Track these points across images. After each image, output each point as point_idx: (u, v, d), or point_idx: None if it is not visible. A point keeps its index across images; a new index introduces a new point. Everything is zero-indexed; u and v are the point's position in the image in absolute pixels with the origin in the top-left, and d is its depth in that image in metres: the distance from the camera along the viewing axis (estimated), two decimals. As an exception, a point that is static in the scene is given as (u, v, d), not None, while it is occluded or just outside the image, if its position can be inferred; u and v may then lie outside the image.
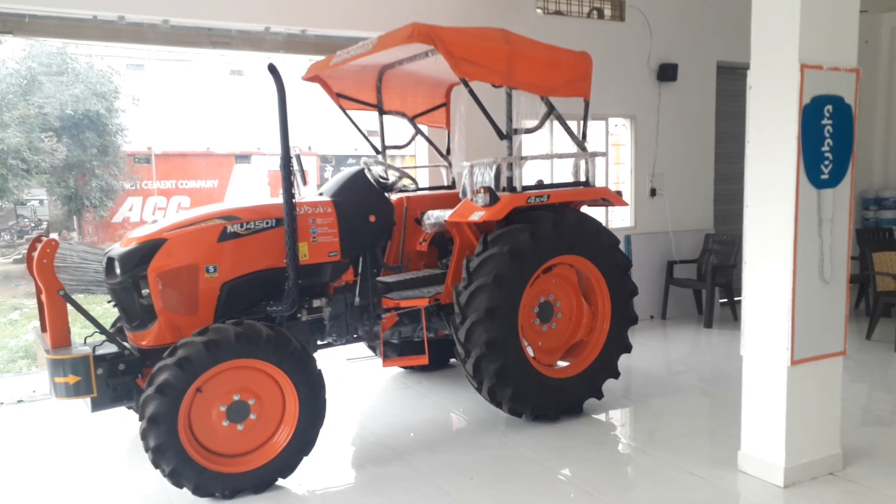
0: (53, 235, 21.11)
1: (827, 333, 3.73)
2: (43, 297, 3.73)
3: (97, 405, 3.79)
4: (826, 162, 3.62)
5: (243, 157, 23.46)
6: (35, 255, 3.71)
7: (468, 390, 5.26)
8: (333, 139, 22.86)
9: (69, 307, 3.75)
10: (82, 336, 4.09)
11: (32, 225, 22.15)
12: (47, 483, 4.01)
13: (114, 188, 20.69)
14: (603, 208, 7.39)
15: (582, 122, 4.96)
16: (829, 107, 3.59)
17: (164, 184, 22.38)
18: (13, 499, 3.81)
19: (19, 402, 5.44)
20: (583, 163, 5.00)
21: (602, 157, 5.04)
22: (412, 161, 7.32)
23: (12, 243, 20.70)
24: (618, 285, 4.88)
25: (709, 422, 4.87)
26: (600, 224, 4.81)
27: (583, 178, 4.98)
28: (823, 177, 3.62)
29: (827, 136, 3.61)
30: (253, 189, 22.28)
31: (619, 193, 5.01)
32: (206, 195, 21.92)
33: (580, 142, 4.91)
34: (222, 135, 23.97)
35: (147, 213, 21.61)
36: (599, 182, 5.07)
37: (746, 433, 3.87)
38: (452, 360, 6.17)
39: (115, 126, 20.62)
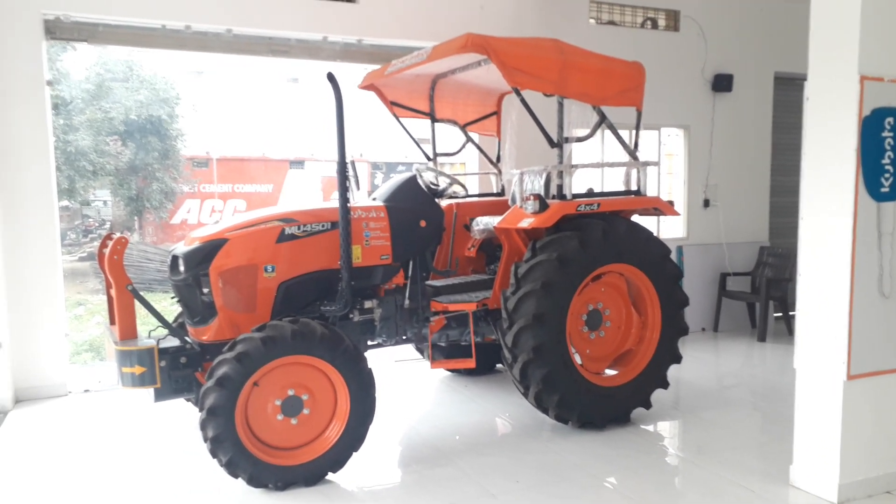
0: (116, 235, 22.04)
1: (886, 349, 3.65)
2: (112, 291, 3.95)
3: (160, 396, 3.99)
4: (886, 175, 3.55)
5: (297, 163, 24.02)
6: (106, 251, 3.92)
7: (514, 395, 5.30)
8: (384, 147, 23.21)
9: (136, 302, 3.96)
10: (146, 331, 4.31)
11: (97, 225, 23.09)
12: (110, 467, 4.22)
13: (173, 191, 21.47)
14: (654, 218, 7.33)
15: (634, 132, 4.96)
16: (891, 119, 3.52)
17: (221, 187, 23.07)
18: (76, 482, 4.02)
19: (86, 391, 5.73)
20: (634, 172, 5.00)
21: (654, 166, 5.02)
22: (462, 168, 7.42)
23: (78, 242, 21.59)
24: (668, 295, 4.85)
25: (760, 435, 4.79)
26: (651, 233, 4.80)
27: (634, 188, 4.98)
28: (884, 190, 3.55)
29: (888, 149, 3.54)
30: (306, 193, 22.78)
31: (670, 203, 4.99)
32: (261, 199, 22.50)
33: (632, 151, 4.91)
34: (278, 140, 24.60)
35: (204, 216, 22.32)
36: (651, 192, 5.05)
37: (799, 447, 3.80)
38: (499, 366, 6.22)
39: (176, 131, 21.42)
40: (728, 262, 8.05)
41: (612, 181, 7.43)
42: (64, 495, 3.86)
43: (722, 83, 7.86)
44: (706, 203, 8.04)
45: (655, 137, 7.80)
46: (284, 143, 24.45)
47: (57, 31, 5.66)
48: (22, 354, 5.46)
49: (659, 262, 4.80)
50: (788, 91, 8.42)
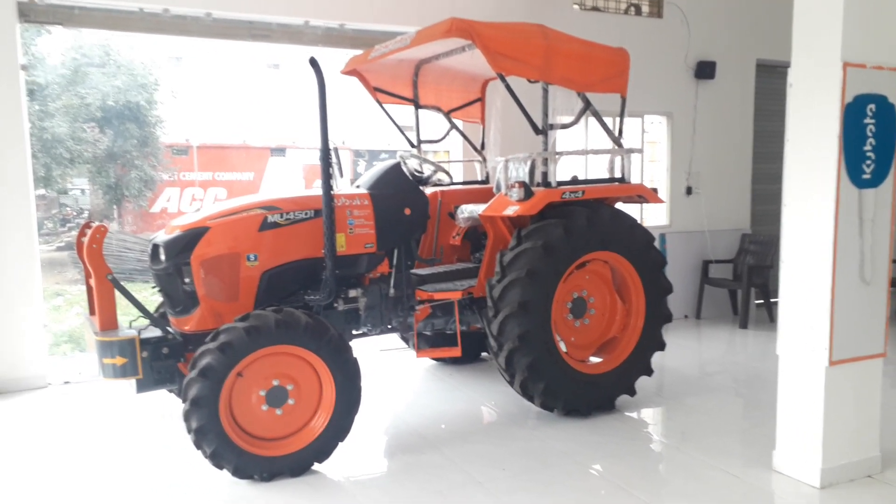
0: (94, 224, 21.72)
1: (867, 335, 3.69)
2: (92, 281, 3.87)
3: (142, 387, 3.93)
4: (868, 162, 3.57)
5: (279, 150, 23.76)
6: (85, 240, 3.85)
7: (499, 384, 5.30)
8: (367, 134, 23.05)
9: (116, 292, 3.90)
10: (126, 320, 4.24)
11: (75, 213, 22.72)
12: (92, 460, 4.16)
13: (152, 179, 21.15)
14: (638, 206, 7.36)
15: (618, 119, 4.95)
16: (872, 106, 3.53)
17: (201, 175, 22.78)
18: (57, 474, 3.97)
19: (66, 383, 5.64)
20: (618, 159, 5.00)
21: (638, 153, 5.02)
22: (446, 156, 7.38)
23: (55, 231, 21.24)
24: (652, 283, 4.87)
25: (742, 421, 4.84)
26: (635, 221, 4.81)
27: (618, 175, 4.97)
28: (865, 176, 3.58)
29: (869, 136, 3.56)
30: (288, 182, 22.57)
31: (654, 191, 5.00)
32: (242, 187, 22.24)
33: (616, 138, 4.90)
34: (259, 128, 24.32)
35: (185, 204, 22.04)
36: (635, 179, 5.05)
37: (782, 433, 3.84)
38: (484, 354, 6.22)
39: (155, 118, 21.08)
40: (710, 249, 8.11)
41: (596, 169, 7.45)
42: (43, 489, 3.80)
43: (705, 70, 7.88)
44: (689, 191, 8.08)
45: (639, 125, 7.81)
46: (265, 130, 24.19)
47: (31, 13, 5.52)
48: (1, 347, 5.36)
49: (643, 250, 4.81)
50: (771, 78, 8.46)
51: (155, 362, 3.95)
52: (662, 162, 8.09)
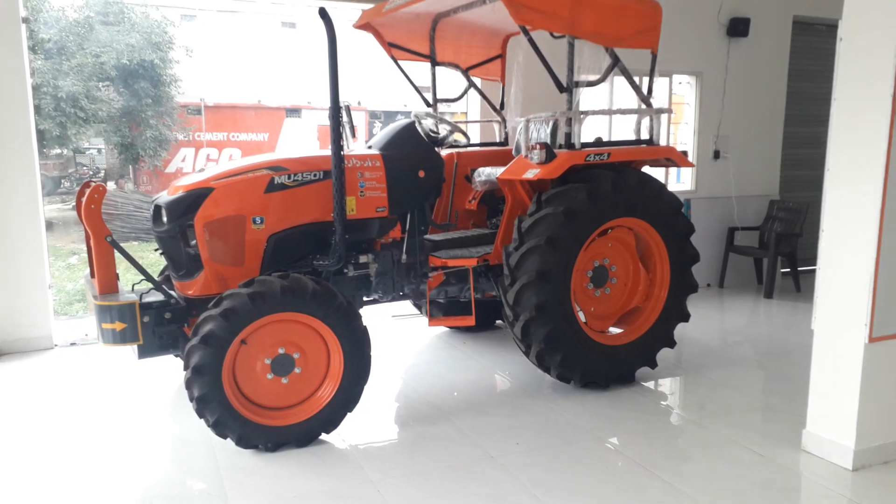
0: (110, 184, 21.69)
1: (910, 311, 3.44)
2: (91, 242, 3.71)
3: (143, 353, 3.80)
4: (923, 123, 3.27)
5: (294, 111, 23.46)
6: (83, 200, 3.67)
7: (514, 353, 5.13)
8: (383, 94, 22.64)
9: (117, 254, 3.74)
10: (130, 283, 4.10)
11: (91, 173, 22.71)
12: (95, 426, 4.07)
13: (167, 139, 20.99)
14: (662, 170, 7.05)
15: (648, 78, 4.64)
16: (932, 61, 3.22)
17: (215, 135, 22.59)
18: (56, 440, 3.87)
19: (72, 344, 5.56)
20: (646, 120, 4.71)
21: (668, 113, 4.72)
22: (463, 117, 7.10)
23: (72, 190, 21.25)
24: (678, 251, 4.63)
25: (768, 397, 4.63)
26: (663, 186, 4.55)
27: (645, 137, 4.70)
28: (919, 139, 3.28)
29: (926, 95, 3.25)
30: (302, 143, 22.31)
31: (684, 153, 4.72)
32: (256, 148, 22.04)
33: (645, 97, 4.61)
34: (273, 88, 23.98)
35: (200, 164, 21.91)
36: (663, 141, 4.76)
37: (813, 411, 3.64)
38: (499, 322, 6.05)
39: (169, 77, 20.81)
40: (737, 216, 7.80)
41: (621, 130, 7.14)
42: (45, 454, 3.70)
43: (738, 27, 7.47)
44: (716, 155, 7.75)
45: (666, 85, 7.45)
46: (280, 90, 23.85)
47: (30, -38, 5.27)
48: (4, 307, 5.27)
49: (671, 217, 4.56)
50: (807, 36, 8.02)
51: (157, 327, 3.80)
52: (690, 124, 7.75)
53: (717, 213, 7.76)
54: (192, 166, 21.86)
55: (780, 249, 7.40)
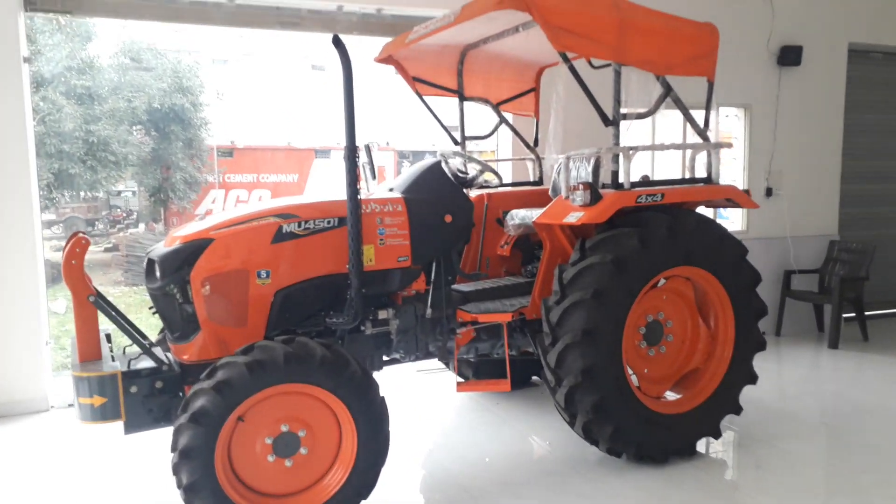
0: (141, 226, 21.77)
1: None
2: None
3: (131, 427, 3.31)
4: None
5: (323, 152, 23.43)
6: (64, 254, 3.25)
7: (554, 416, 4.52)
8: (412, 134, 22.47)
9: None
10: (123, 346, 3.65)
11: (124, 215, 22.87)
12: (90, 498, 3.59)
13: (197, 180, 21.06)
14: (709, 210, 6.47)
15: (705, 109, 4.13)
16: None
17: (245, 177, 22.64)
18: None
19: (70, 406, 5.10)
20: (701, 156, 4.18)
21: (728, 147, 4.19)
22: (492, 155, 6.64)
23: (105, 232, 21.37)
24: (744, 303, 4.05)
25: (856, 476, 3.93)
26: (725, 231, 3.99)
27: (700, 174, 4.15)
28: None
29: None
30: (332, 184, 22.17)
31: (746, 193, 4.16)
32: (286, 189, 21.99)
33: (702, 130, 4.09)
34: (303, 130, 24.04)
35: (230, 206, 21.89)
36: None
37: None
38: (535, 378, 5.46)
39: (200, 120, 20.97)
40: (793, 258, 7.14)
41: (664, 167, 6.62)
42: None
43: (789, 56, 6.94)
44: (768, 192, 7.14)
45: (712, 118, 6.90)
46: (310, 132, 23.90)
47: (37, 1, 5.01)
48: (-2, 366, 4.87)
49: (735, 265, 3.99)
50: (864, 65, 7.44)
51: (147, 398, 3.31)
52: (738, 160, 7.17)
53: (771, 256, 7.11)
54: (223, 207, 21.84)
55: (845, 294, 6.71)
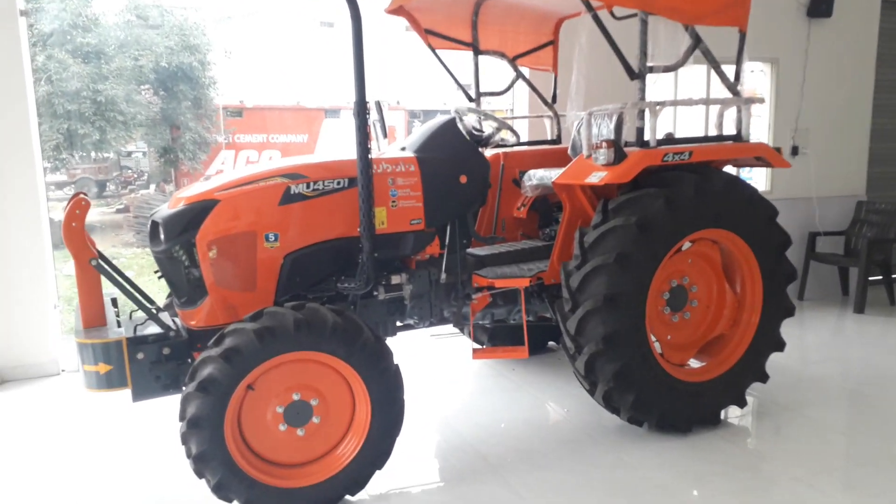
0: (151, 187, 21.72)
1: None
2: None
3: (139, 394, 3.21)
4: None
5: (333, 112, 23.07)
6: (64, 215, 3.12)
7: (572, 382, 4.42)
8: (424, 93, 22.05)
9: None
10: (129, 310, 3.54)
11: (135, 176, 22.78)
12: (101, 460, 3.58)
13: (206, 141, 20.86)
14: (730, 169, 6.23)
15: (736, 61, 3.89)
16: None
17: (255, 137, 22.41)
18: (53, 477, 3.35)
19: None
20: (729, 112, 3.95)
21: (760, 102, 3.96)
22: (508, 113, 6.40)
23: (117, 193, 21.30)
24: (772, 268, 3.87)
25: (889, 445, 3.79)
26: (755, 191, 3.79)
27: (726, 132, 3.93)
28: None
29: None
30: (342, 144, 21.90)
31: (777, 150, 3.95)
32: (296, 149, 21.76)
33: (732, 85, 3.85)
34: (312, 88, 23.65)
35: (240, 166, 21.72)
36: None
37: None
38: (552, 343, 5.34)
39: (208, 79, 20.67)
40: (818, 219, 6.91)
41: (687, 123, 6.37)
42: (42, 492, 3.21)
43: (819, 7, 6.60)
44: (794, 150, 6.88)
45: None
46: (319, 91, 23.52)
47: (32, -50, 4.79)
48: (5, 330, 4.79)
49: (764, 227, 3.81)
50: (899, 16, 7.09)
51: (155, 365, 3.21)
52: (763, 117, 6.90)
53: (795, 217, 6.86)
54: (233, 168, 21.67)
55: (872, 257, 6.50)
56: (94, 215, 17.80)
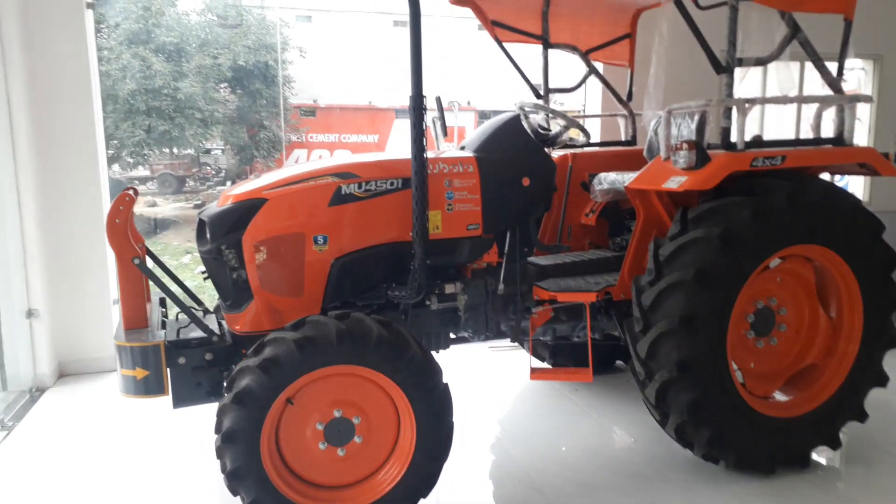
0: (228, 184, 22.33)
1: None
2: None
3: (179, 400, 3.09)
4: None
5: (403, 112, 23.11)
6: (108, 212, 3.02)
7: (641, 408, 4.04)
8: (496, 93, 21.77)
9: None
10: (176, 312, 3.43)
11: (214, 172, 23.50)
12: (154, 458, 3.62)
13: (280, 139, 21.29)
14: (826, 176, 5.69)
15: (839, 54, 3.46)
16: None
17: (327, 136, 22.76)
18: (110, 478, 3.34)
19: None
20: (827, 112, 3.51)
21: (867, 102, 3.50)
22: (575, 113, 6.06)
23: (195, 189, 22.02)
24: (875, 290, 3.42)
25: None
26: (858, 203, 3.35)
27: (824, 134, 3.50)
28: None
29: None
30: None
31: (886, 157, 3.48)
32: (366, 149, 21.95)
33: (835, 81, 3.42)
34: (384, 88, 23.78)
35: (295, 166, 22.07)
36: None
37: None
38: (619, 363, 4.97)
39: (284, 78, 21.08)
40: (925, 235, 6.24)
41: (775, 124, 5.87)
42: (93, 490, 3.23)
43: (933, -1, 5.96)
44: (899, 157, 6.24)
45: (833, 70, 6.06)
46: (391, 91, 23.62)
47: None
48: (64, 325, 4.82)
49: (867, 244, 3.36)
50: None
51: (197, 370, 3.08)
52: (864, 119, 6.30)
53: (894, 232, 6.24)
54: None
55: None
56: (173, 210, 18.41)
